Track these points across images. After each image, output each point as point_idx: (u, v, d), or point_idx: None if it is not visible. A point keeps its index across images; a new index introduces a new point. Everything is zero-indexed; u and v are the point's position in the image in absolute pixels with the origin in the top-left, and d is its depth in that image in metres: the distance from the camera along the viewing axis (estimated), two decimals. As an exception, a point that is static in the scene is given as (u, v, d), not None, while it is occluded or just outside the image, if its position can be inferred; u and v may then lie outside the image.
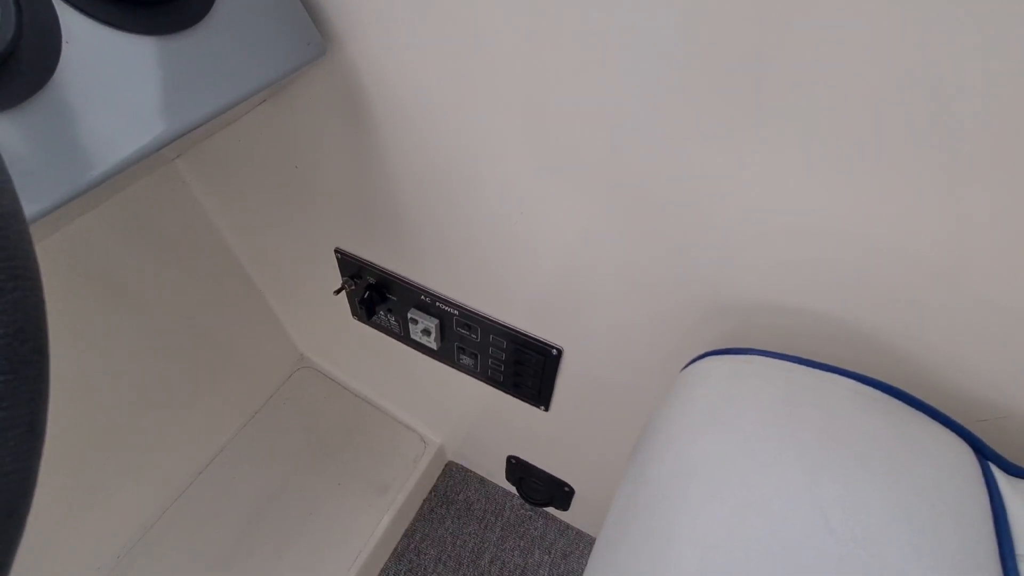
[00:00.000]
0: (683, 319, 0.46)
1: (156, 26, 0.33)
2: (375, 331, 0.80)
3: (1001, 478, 0.30)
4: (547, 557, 0.93)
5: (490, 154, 0.45)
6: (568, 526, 0.97)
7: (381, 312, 0.74)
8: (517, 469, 0.90)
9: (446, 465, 1.04)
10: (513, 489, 0.99)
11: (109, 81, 0.31)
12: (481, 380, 0.73)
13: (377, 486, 0.94)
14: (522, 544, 0.95)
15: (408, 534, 0.95)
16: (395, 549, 0.94)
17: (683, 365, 0.41)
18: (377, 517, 0.90)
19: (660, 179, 0.37)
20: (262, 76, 0.39)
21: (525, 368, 0.65)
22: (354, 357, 0.95)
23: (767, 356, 0.35)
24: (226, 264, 0.86)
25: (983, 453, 0.31)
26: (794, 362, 0.34)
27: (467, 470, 1.04)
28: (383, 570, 0.91)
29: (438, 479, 1.03)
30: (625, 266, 0.46)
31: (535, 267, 0.52)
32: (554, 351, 0.60)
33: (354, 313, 0.80)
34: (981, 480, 0.30)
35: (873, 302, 0.35)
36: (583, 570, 0.92)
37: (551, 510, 0.97)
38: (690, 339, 0.47)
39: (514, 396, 0.72)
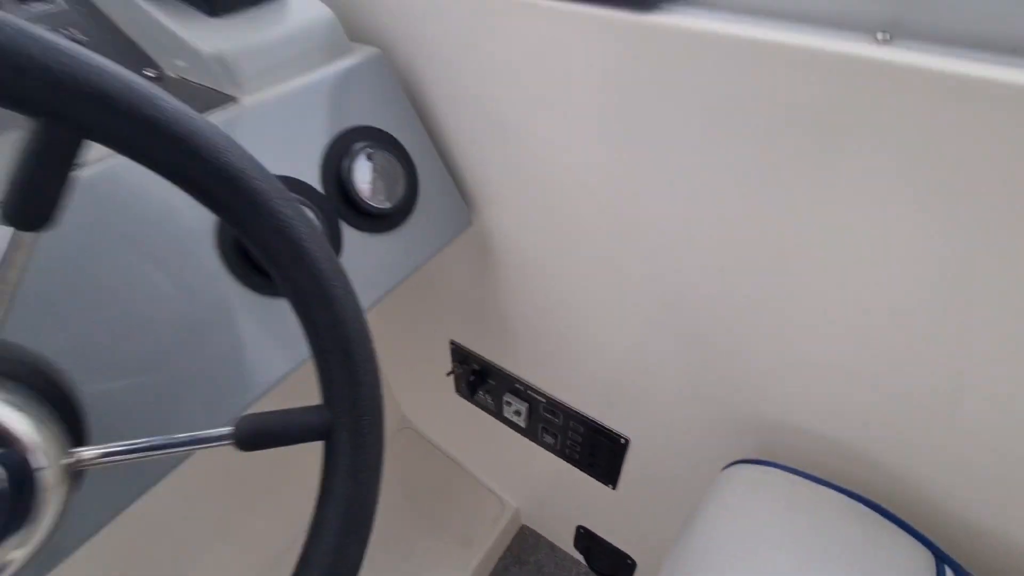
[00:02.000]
0: (725, 430, 0.59)
1: (384, 227, 0.53)
2: (473, 406, 0.97)
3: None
4: (609, 626, 1.02)
5: (582, 293, 0.62)
6: (630, 599, 1.05)
7: (481, 392, 0.92)
8: (585, 538, 1.01)
9: (520, 528, 1.17)
10: (579, 557, 1.09)
11: (358, 266, 0.52)
12: (559, 456, 0.88)
13: (461, 540, 1.08)
14: (586, 610, 1.04)
15: (487, 583, 1.08)
16: (475, 596, 1.06)
17: (722, 467, 0.54)
18: (460, 569, 1.04)
19: (716, 328, 0.53)
20: (435, 247, 0.59)
21: (598, 451, 0.79)
22: (451, 425, 1.13)
23: (781, 469, 0.48)
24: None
25: (942, 559, 0.41)
26: (800, 476, 0.47)
27: (539, 535, 1.15)
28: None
29: (513, 540, 1.15)
30: (684, 384, 0.60)
31: (612, 373, 0.67)
32: (622, 440, 0.74)
33: (458, 390, 0.98)
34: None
35: (875, 432, 0.47)
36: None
37: (614, 582, 1.06)
38: (729, 444, 0.59)
39: (587, 473, 0.85)
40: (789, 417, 0.52)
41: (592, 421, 0.76)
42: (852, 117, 0.34)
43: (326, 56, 0.51)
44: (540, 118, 0.51)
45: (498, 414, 0.92)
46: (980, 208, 0.33)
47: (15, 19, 0.21)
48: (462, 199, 0.63)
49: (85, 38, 0.45)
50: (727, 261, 0.47)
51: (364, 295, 0.49)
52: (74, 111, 0.22)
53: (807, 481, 0.46)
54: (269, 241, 0.28)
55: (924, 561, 0.41)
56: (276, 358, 0.45)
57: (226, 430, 0.31)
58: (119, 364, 0.38)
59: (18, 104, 0.21)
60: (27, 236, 0.25)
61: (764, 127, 0.38)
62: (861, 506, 0.44)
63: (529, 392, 0.82)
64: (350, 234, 0.51)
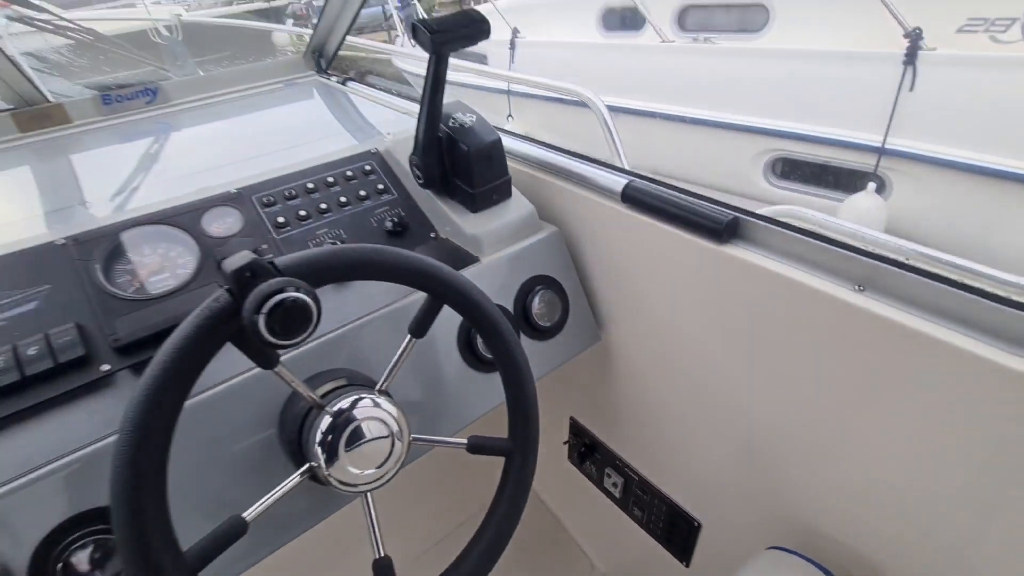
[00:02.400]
0: (770, 525, 0.77)
1: (545, 337, 0.84)
2: (580, 474, 1.21)
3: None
4: None
5: (678, 402, 0.86)
6: None
7: (588, 463, 1.16)
8: (660, 612, 1.16)
9: (603, 594, 1.34)
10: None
11: (529, 357, 0.83)
12: (643, 529, 1.07)
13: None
14: None
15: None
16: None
17: (762, 550, 0.73)
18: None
19: (776, 455, 0.74)
20: (575, 351, 0.88)
21: (675, 529, 0.99)
22: (558, 487, 1.37)
23: (802, 558, 0.66)
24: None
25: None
26: (803, 558, 0.65)
27: (619, 604, 1.32)
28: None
29: (595, 602, 1.33)
30: (747, 485, 0.80)
31: (694, 467, 0.89)
32: (696, 523, 0.93)
33: (569, 458, 1.23)
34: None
35: (874, 546, 0.64)
36: None
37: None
38: (766, 533, 0.77)
39: (665, 548, 1.04)
40: (814, 520, 0.70)
41: (673, 503, 0.96)
42: (836, 337, 0.58)
43: (528, 232, 0.85)
44: (649, 283, 0.79)
45: (599, 483, 1.15)
46: (931, 413, 0.53)
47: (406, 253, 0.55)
48: (596, 323, 0.92)
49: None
50: (771, 397, 0.69)
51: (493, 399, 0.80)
52: (441, 294, 0.56)
53: (816, 569, 0.65)
54: (491, 337, 0.59)
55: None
56: (482, 403, 0.77)
57: (462, 440, 0.61)
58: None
59: (425, 289, 0.56)
60: (415, 341, 0.59)
61: (784, 330, 0.63)
62: None
63: (626, 469, 1.05)
64: (525, 339, 0.83)
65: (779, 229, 0.63)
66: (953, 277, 0.50)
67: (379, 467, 0.55)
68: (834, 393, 0.61)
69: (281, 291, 0.42)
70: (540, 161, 0.91)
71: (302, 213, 0.81)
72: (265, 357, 0.49)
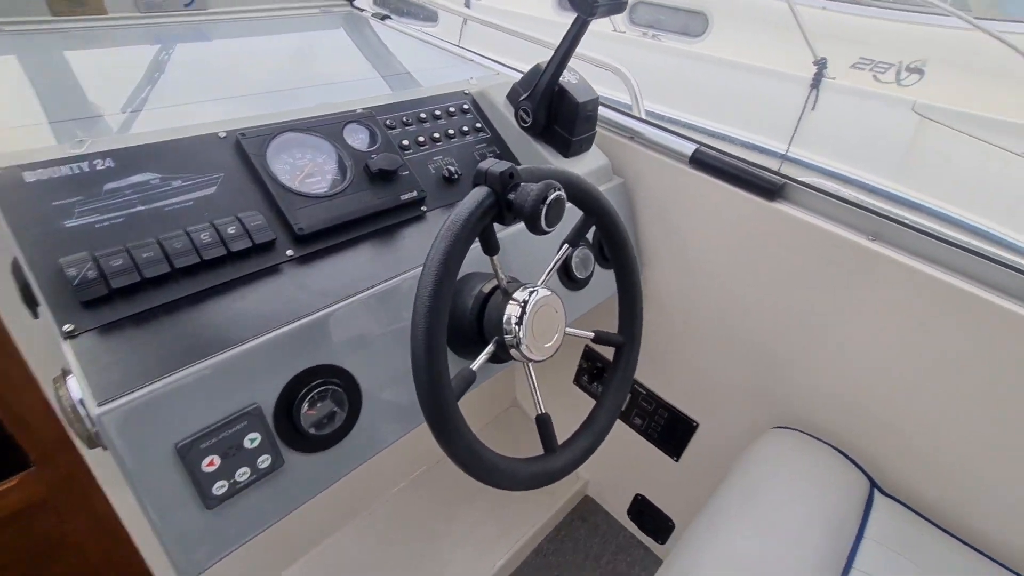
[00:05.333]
0: (765, 415, 1.05)
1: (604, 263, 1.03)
2: (581, 393, 1.43)
3: (877, 495, 0.86)
4: (644, 572, 1.43)
5: (695, 324, 1.10)
6: (660, 559, 1.46)
7: (595, 384, 1.39)
8: (639, 504, 1.44)
9: (584, 497, 1.60)
10: (628, 525, 1.51)
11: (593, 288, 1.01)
12: (641, 435, 1.33)
13: (544, 493, 1.51)
14: (628, 560, 1.45)
15: (557, 528, 1.50)
16: (548, 535, 1.48)
17: (761, 431, 1.00)
18: (540, 515, 1.46)
19: (776, 350, 1.00)
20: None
21: (673, 432, 1.25)
22: (561, 405, 1.58)
23: (799, 432, 0.94)
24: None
25: (873, 482, 0.87)
26: (803, 433, 0.93)
27: (598, 504, 1.58)
28: (540, 544, 1.46)
29: (578, 504, 1.58)
30: (746, 384, 1.06)
31: (698, 376, 1.14)
32: (694, 423, 1.20)
33: (576, 381, 1.45)
34: (864, 494, 0.85)
35: (851, 419, 0.93)
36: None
37: (651, 544, 1.47)
38: (767, 424, 1.05)
39: (660, 448, 1.30)
40: (811, 405, 0.98)
41: (675, 409, 1.22)
42: (856, 274, 0.84)
43: (603, 181, 1.03)
44: (696, 232, 1.01)
45: (603, 400, 1.38)
46: (916, 330, 0.81)
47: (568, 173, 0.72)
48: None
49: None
50: (786, 319, 0.95)
51: (582, 306, 0.98)
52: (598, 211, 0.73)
53: (803, 434, 0.93)
54: (620, 247, 0.77)
55: (860, 481, 0.86)
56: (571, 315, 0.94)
57: (589, 333, 0.79)
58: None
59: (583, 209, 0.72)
60: (571, 250, 0.75)
61: (810, 268, 0.88)
62: (821, 443, 0.90)
63: (635, 385, 1.29)
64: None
65: (815, 192, 0.87)
66: (937, 233, 0.77)
67: (547, 344, 0.71)
68: (844, 314, 0.88)
69: (556, 189, 0.57)
70: (613, 122, 1.08)
71: (420, 139, 0.91)
72: (491, 246, 0.63)
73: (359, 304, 0.67)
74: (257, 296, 0.63)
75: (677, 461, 1.28)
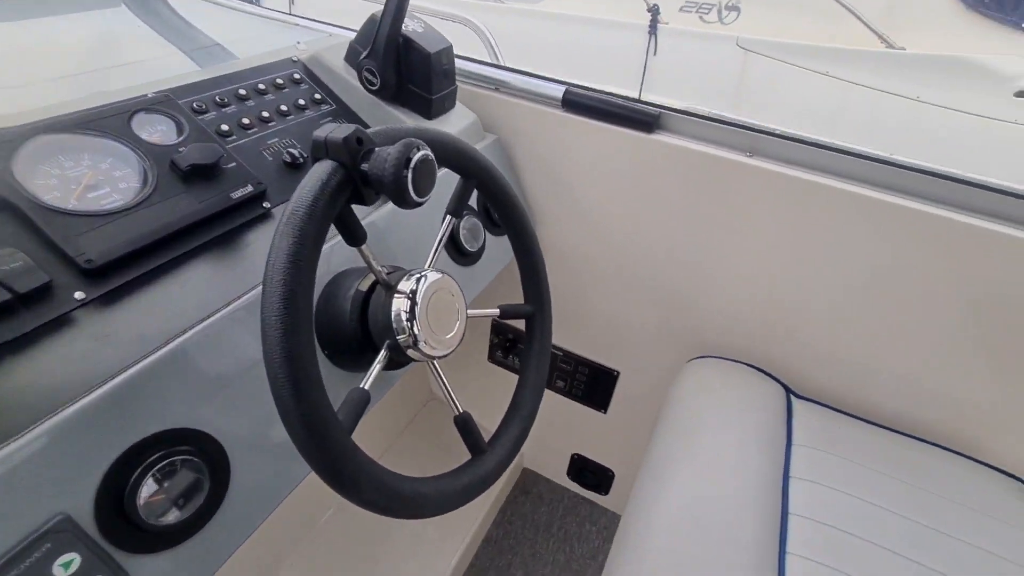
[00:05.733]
0: (680, 351, 1.05)
1: (496, 231, 0.95)
2: (499, 369, 1.37)
3: (795, 399, 0.89)
4: (594, 528, 1.43)
5: (601, 275, 1.06)
6: (606, 510, 1.47)
7: (511, 356, 1.32)
8: (577, 463, 1.43)
9: (523, 470, 1.56)
10: (568, 485, 1.50)
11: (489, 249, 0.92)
12: (566, 396, 1.29)
13: (483, 477, 1.45)
14: (577, 519, 1.44)
15: (503, 511, 1.45)
16: (495, 520, 1.43)
17: (681, 366, 0.99)
18: (484, 500, 1.40)
19: (679, 286, 0.99)
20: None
21: (596, 386, 1.23)
22: (474, 391, 1.50)
23: (716, 358, 0.95)
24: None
25: (788, 389, 0.90)
26: (720, 358, 0.94)
27: (537, 474, 1.55)
28: (488, 533, 1.40)
29: (518, 479, 1.53)
30: (658, 326, 1.05)
31: (612, 327, 1.12)
32: (615, 373, 1.18)
33: (490, 358, 1.37)
34: (784, 402, 0.88)
35: (757, 331, 0.95)
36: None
37: (595, 498, 1.47)
38: (684, 359, 1.05)
39: (586, 405, 1.28)
40: (720, 329, 0.99)
41: (594, 363, 1.19)
42: (740, 192, 0.83)
43: (474, 141, 0.93)
44: (583, 177, 0.96)
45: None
46: (800, 234, 0.82)
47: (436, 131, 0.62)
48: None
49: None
50: (685, 252, 0.94)
51: (480, 281, 0.90)
52: (475, 172, 0.64)
53: (725, 360, 0.93)
54: (509, 210, 0.68)
55: (778, 392, 0.89)
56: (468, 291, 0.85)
57: (495, 311, 0.71)
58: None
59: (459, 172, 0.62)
60: (455, 221, 0.65)
61: (697, 193, 0.86)
62: (743, 365, 0.92)
63: (552, 350, 1.24)
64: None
65: (692, 118, 0.85)
66: (805, 138, 0.78)
67: (449, 335, 0.61)
68: (735, 233, 0.88)
69: (420, 148, 0.46)
70: (474, 74, 0.97)
71: (245, 122, 0.74)
72: (356, 235, 0.51)
73: (197, 340, 0.51)
74: (35, 365, 0.45)
75: (605, 413, 1.27)
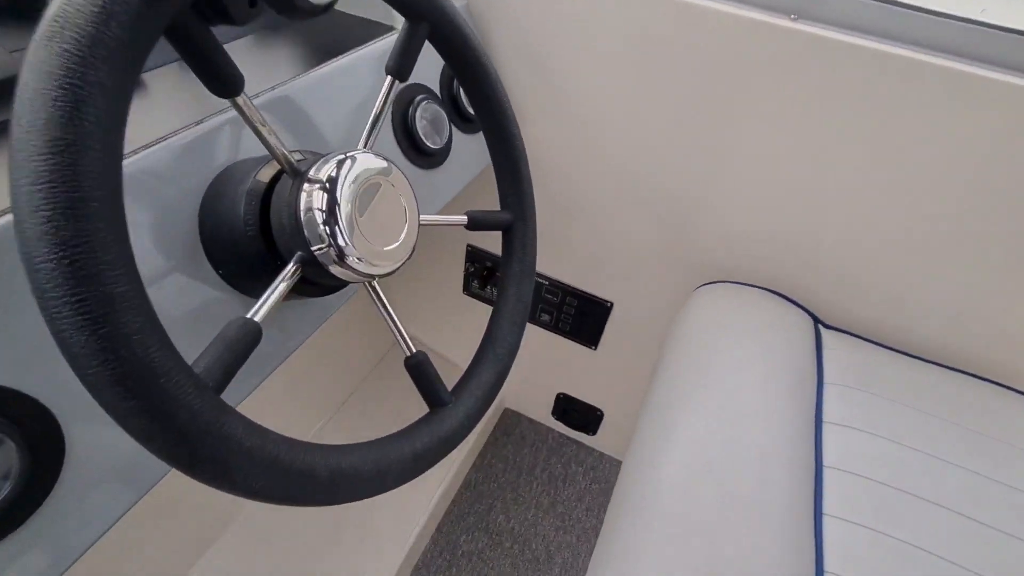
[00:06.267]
0: (685, 277, 0.89)
1: (471, 128, 0.75)
2: (476, 302, 1.21)
3: (824, 330, 0.75)
4: (580, 468, 1.34)
5: (591, 191, 0.89)
6: (593, 450, 1.37)
7: (488, 287, 1.16)
8: (563, 402, 1.31)
9: (504, 411, 1.44)
10: (553, 425, 1.39)
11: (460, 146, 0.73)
12: (551, 331, 1.15)
13: (460, 419, 1.33)
14: (563, 460, 1.35)
15: (482, 454, 1.34)
16: (474, 463, 1.32)
17: (688, 294, 0.84)
18: (462, 443, 1.29)
19: (683, 203, 0.82)
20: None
21: (586, 319, 1.08)
22: (450, 328, 1.35)
23: (731, 283, 0.79)
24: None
25: (815, 318, 0.75)
26: (736, 283, 0.79)
27: (519, 414, 1.44)
28: (467, 477, 1.29)
29: (499, 420, 1.42)
30: (657, 249, 0.89)
31: (605, 251, 0.95)
32: (608, 304, 1.03)
33: (466, 289, 1.21)
34: (812, 334, 0.74)
35: (778, 255, 0.80)
36: (605, 477, 1.33)
37: (582, 438, 1.37)
38: (688, 287, 0.90)
39: (574, 340, 1.14)
40: (736, 250, 0.83)
41: (584, 293, 1.04)
42: (776, 66, 0.64)
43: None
44: (575, 63, 0.76)
45: (502, 304, 1.17)
46: (841, 126, 0.65)
47: None
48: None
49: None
50: (697, 153, 0.76)
51: (444, 192, 0.72)
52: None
53: (743, 286, 0.78)
54: (478, 80, 0.50)
55: (805, 322, 0.74)
56: (431, 203, 0.67)
57: (461, 218, 0.53)
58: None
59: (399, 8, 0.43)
60: (399, 85, 0.46)
61: (727, 73, 0.67)
62: (765, 292, 0.77)
63: (536, 278, 1.08)
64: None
65: (719, -31, 0.64)
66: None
67: (391, 246, 0.43)
68: (758, 127, 0.70)
69: None
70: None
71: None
72: (221, 73, 0.32)
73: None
74: None
75: (595, 349, 1.13)
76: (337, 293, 0.51)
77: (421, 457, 0.40)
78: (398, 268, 0.43)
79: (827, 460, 0.59)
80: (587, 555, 1.19)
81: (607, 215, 0.91)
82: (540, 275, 1.07)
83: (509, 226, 0.57)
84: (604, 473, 1.34)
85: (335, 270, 0.39)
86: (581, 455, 1.37)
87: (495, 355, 0.50)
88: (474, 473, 1.31)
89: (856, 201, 0.70)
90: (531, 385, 1.33)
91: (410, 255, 0.45)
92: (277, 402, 1.14)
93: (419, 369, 0.44)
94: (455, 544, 1.19)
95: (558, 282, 1.06)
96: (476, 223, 0.54)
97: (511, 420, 1.42)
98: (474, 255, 1.14)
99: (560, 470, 1.33)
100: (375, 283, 0.44)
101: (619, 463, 1.35)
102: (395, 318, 0.45)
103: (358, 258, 0.38)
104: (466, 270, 1.16)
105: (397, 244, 0.43)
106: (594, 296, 1.04)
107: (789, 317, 0.74)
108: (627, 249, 0.93)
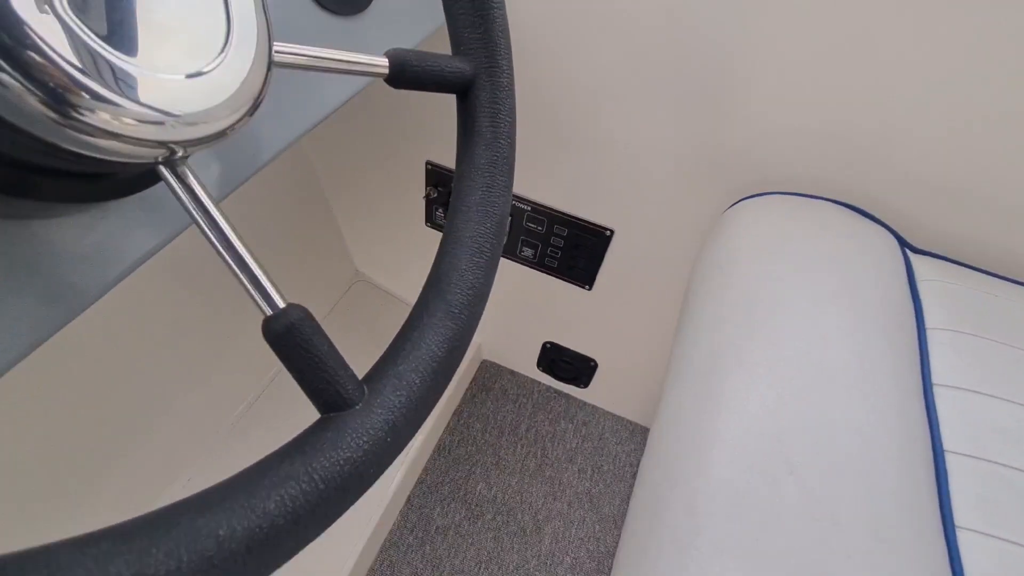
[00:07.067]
0: (723, 183, 0.68)
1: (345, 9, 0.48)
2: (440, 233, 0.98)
3: (913, 255, 0.54)
4: (571, 425, 1.17)
5: (585, 82, 0.64)
6: (585, 403, 1.20)
7: (456, 216, 0.93)
8: (550, 352, 1.12)
9: (481, 363, 1.25)
10: (538, 377, 1.21)
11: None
12: (536, 268, 0.94)
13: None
14: (551, 416, 1.18)
15: (457, 413, 1.16)
16: (447, 424, 1.14)
17: (719, 213, 0.63)
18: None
19: (710, 93, 0.59)
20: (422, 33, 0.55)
21: (579, 252, 0.87)
22: (412, 267, 1.13)
23: (783, 194, 0.58)
24: (303, 178, 1.00)
25: (900, 239, 0.55)
26: (790, 194, 0.57)
27: (499, 366, 1.25)
28: (439, 440, 1.12)
29: (476, 373, 1.23)
30: (673, 159, 0.67)
31: (603, 166, 0.73)
32: (607, 232, 0.81)
33: (429, 219, 0.98)
34: (900, 256, 0.54)
35: (841, 157, 0.58)
36: (599, 434, 1.16)
37: (571, 391, 1.20)
38: (728, 193, 0.68)
39: (564, 279, 0.93)
40: (788, 150, 0.61)
41: (577, 219, 0.82)
42: None
43: None
44: None
45: (474, 237, 0.94)
46: None
47: None
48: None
49: None
50: (724, 14, 0.52)
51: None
52: None
53: (795, 196, 0.57)
54: None
55: (889, 245, 0.54)
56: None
57: (381, 60, 0.30)
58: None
59: None
60: None
61: None
62: (839, 206, 0.56)
63: (514, 202, 0.85)
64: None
65: None
66: None
67: (191, 78, 0.20)
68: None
69: None
70: None
71: None
72: None
73: None
74: None
75: (590, 290, 0.93)
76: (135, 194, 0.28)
77: (280, 525, 0.19)
78: (217, 137, 0.20)
79: (948, 443, 0.40)
80: (580, 524, 1.04)
81: (607, 110, 0.67)
82: (519, 198, 0.84)
83: (468, 82, 0.34)
84: (597, 429, 1.17)
85: (80, 123, 0.16)
86: (572, 410, 1.20)
87: (446, 306, 0.29)
88: (448, 436, 1.13)
89: (957, 84, 0.48)
90: (512, 333, 1.14)
91: (252, 107, 0.22)
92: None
93: (293, 341, 0.22)
94: (428, 518, 1.02)
95: (542, 206, 0.84)
96: (405, 72, 0.31)
97: (490, 373, 1.23)
98: (437, 176, 0.89)
99: (547, 428, 1.16)
100: (186, 169, 0.21)
101: (615, 417, 1.19)
102: (238, 240, 0.22)
103: (109, 88, 0.16)
104: (427, 195, 0.92)
105: (211, 74, 0.20)
106: (589, 222, 0.82)
107: (871, 238, 0.53)
108: (634, 156, 0.70)
